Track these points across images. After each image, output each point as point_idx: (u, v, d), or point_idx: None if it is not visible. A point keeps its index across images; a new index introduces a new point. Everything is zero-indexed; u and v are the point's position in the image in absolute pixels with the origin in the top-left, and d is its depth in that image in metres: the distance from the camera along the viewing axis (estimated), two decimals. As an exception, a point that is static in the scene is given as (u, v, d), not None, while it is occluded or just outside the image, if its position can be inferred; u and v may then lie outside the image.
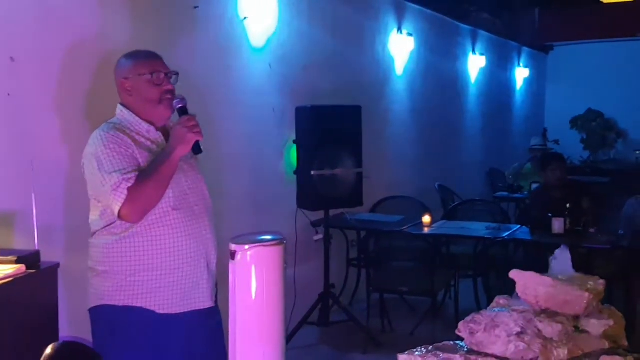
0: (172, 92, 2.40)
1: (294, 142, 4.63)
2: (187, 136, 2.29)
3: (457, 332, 1.77)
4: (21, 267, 2.32)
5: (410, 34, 6.54)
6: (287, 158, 4.80)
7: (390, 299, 5.13)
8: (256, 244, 2.51)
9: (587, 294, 1.72)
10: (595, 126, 11.10)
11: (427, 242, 4.74)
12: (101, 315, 2.36)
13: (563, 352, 1.63)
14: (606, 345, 1.71)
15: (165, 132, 2.42)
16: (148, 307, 2.31)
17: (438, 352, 1.72)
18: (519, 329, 1.67)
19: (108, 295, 2.32)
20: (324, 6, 5.24)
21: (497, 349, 1.68)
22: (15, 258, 2.35)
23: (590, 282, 1.77)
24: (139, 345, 2.33)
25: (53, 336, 2.44)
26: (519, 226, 4.98)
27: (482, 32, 8.82)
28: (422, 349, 1.75)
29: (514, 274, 1.82)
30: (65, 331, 2.77)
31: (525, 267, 1.84)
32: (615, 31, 10.61)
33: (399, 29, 6.40)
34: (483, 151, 9.00)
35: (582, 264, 3.61)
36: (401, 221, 5.12)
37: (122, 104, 2.41)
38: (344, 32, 5.54)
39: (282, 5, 4.64)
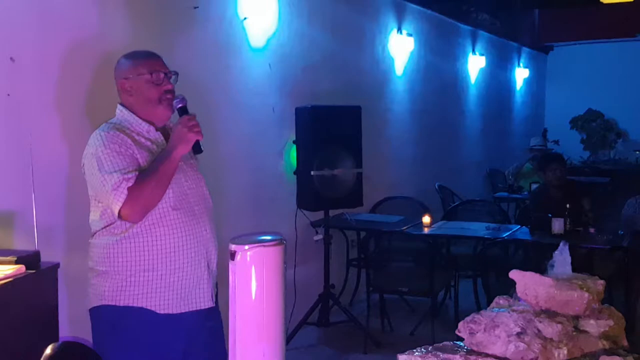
0: (171, 91, 2.40)
1: (294, 142, 4.64)
2: (187, 135, 2.30)
3: (456, 332, 1.76)
4: (21, 268, 2.32)
5: (410, 34, 6.54)
6: (287, 158, 4.80)
7: (390, 299, 5.13)
8: (256, 244, 2.51)
9: (586, 294, 1.72)
10: (595, 126, 11.11)
11: (426, 243, 4.74)
12: (101, 316, 2.36)
13: (563, 352, 1.63)
14: (606, 345, 1.71)
15: (165, 132, 2.43)
16: (148, 307, 2.31)
17: (438, 353, 1.72)
18: (518, 329, 1.67)
19: (108, 295, 2.32)
20: (323, 6, 5.25)
21: (496, 349, 1.68)
22: (15, 258, 2.34)
23: (590, 283, 1.77)
24: (139, 345, 2.33)
25: (53, 336, 2.44)
26: (519, 226, 4.98)
27: (482, 33, 8.83)
28: (422, 349, 1.74)
29: (513, 274, 1.82)
30: (66, 331, 2.77)
31: (525, 267, 1.84)
32: (615, 31, 10.63)
33: (399, 29, 6.40)
34: (483, 151, 9.00)
35: (582, 264, 3.61)
36: (401, 221, 5.13)
37: (121, 104, 2.41)
38: (344, 32, 5.54)
39: (282, 6, 4.64)
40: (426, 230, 4.93)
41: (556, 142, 10.44)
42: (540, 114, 12.02)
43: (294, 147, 4.64)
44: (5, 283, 2.21)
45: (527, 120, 11.12)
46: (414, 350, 1.74)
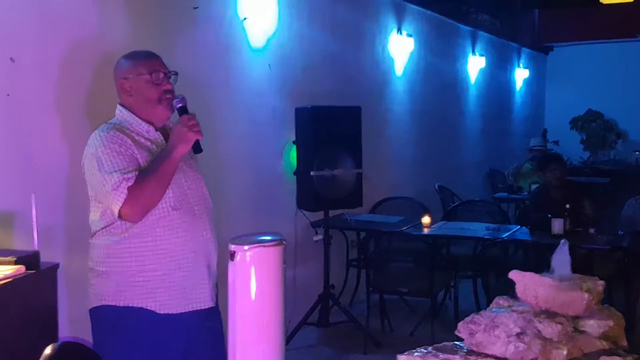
0: (171, 91, 2.40)
1: (294, 142, 4.64)
2: (187, 135, 2.30)
3: (456, 332, 1.77)
4: (21, 268, 2.32)
5: (410, 35, 6.54)
6: (286, 159, 4.80)
7: (389, 299, 5.13)
8: (256, 245, 2.51)
9: (586, 295, 1.72)
10: (595, 127, 11.11)
11: (426, 243, 4.74)
12: (102, 316, 2.36)
13: (562, 352, 1.63)
14: (605, 346, 1.71)
15: (165, 132, 2.43)
16: (148, 308, 2.30)
17: (437, 353, 1.72)
18: (518, 330, 1.67)
19: (108, 295, 2.32)
20: (323, 7, 5.25)
21: (496, 350, 1.68)
22: (15, 259, 2.34)
23: (590, 283, 1.77)
24: (139, 345, 2.32)
25: (52, 337, 2.44)
26: (519, 227, 4.98)
27: (482, 33, 8.83)
28: (422, 349, 1.74)
29: (513, 274, 1.82)
30: (66, 332, 2.76)
31: (524, 268, 1.84)
32: (615, 32, 10.64)
33: (399, 30, 6.40)
34: (483, 152, 9.00)
35: (582, 265, 3.61)
36: (401, 222, 5.12)
37: (121, 105, 2.41)
38: (344, 32, 5.54)
39: (281, 6, 4.64)
40: (426, 230, 4.93)
41: (556, 142, 10.44)
42: (540, 115, 12.02)
43: (294, 147, 4.64)
44: (5, 283, 2.21)
45: (527, 120, 11.12)
46: (414, 350, 1.74)
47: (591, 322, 1.72)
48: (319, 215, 4.78)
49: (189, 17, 3.79)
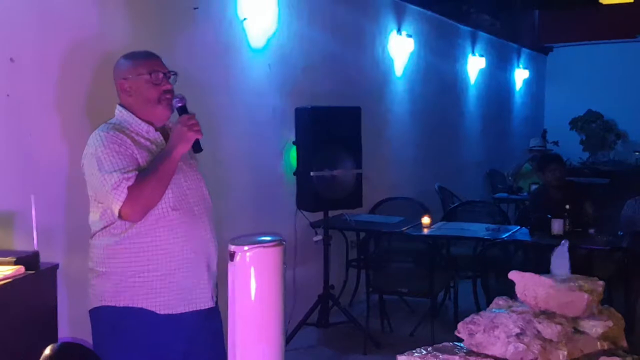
0: (170, 91, 2.40)
1: (294, 143, 4.64)
2: (187, 134, 2.30)
3: (456, 333, 1.77)
4: (20, 268, 2.32)
5: (409, 35, 6.54)
6: (286, 159, 4.80)
7: (389, 300, 5.13)
8: (255, 245, 2.51)
9: (586, 295, 1.72)
10: (594, 127, 11.11)
11: (426, 243, 4.74)
12: (102, 317, 2.36)
13: (562, 353, 1.63)
14: (605, 346, 1.71)
15: (165, 133, 2.43)
16: (148, 308, 2.30)
17: (437, 353, 1.72)
18: (518, 330, 1.67)
19: (108, 296, 2.32)
20: (323, 7, 5.25)
21: (496, 350, 1.68)
22: (15, 259, 2.34)
23: (590, 283, 1.77)
24: (139, 346, 2.32)
25: (52, 337, 2.44)
26: (519, 227, 4.97)
27: (482, 34, 8.83)
28: (422, 350, 1.75)
29: (513, 275, 1.82)
30: (65, 332, 2.76)
31: (524, 268, 1.84)
32: (615, 32, 10.64)
33: (399, 30, 6.40)
34: (482, 152, 9.00)
35: (582, 265, 3.61)
36: (401, 222, 5.12)
37: (121, 105, 2.41)
38: (344, 33, 5.54)
39: (281, 6, 4.65)
40: (426, 231, 4.93)
41: (556, 143, 10.44)
42: (540, 115, 12.02)
43: (294, 147, 4.64)
44: (5, 284, 2.21)
45: (527, 121, 11.12)
46: (414, 351, 1.74)
47: (591, 322, 1.72)
48: (319, 215, 4.78)
49: (189, 17, 3.80)
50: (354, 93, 5.54)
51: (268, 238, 2.57)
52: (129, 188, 2.18)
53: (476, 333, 1.71)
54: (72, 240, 2.93)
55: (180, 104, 2.39)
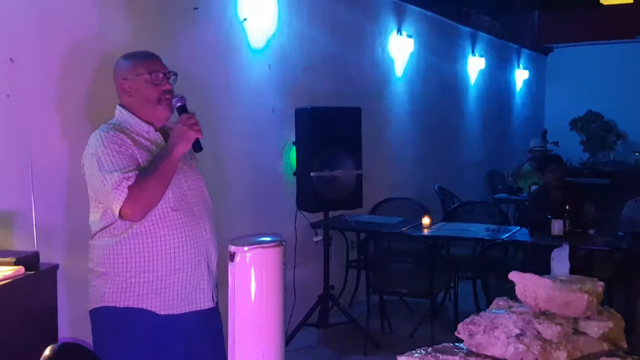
0: (170, 91, 2.40)
1: (294, 143, 4.63)
2: (187, 134, 2.30)
3: (456, 333, 1.77)
4: (20, 269, 2.32)
5: (410, 36, 6.54)
6: (286, 159, 4.80)
7: (389, 300, 5.13)
8: (255, 246, 2.51)
9: (586, 296, 1.72)
10: (595, 128, 11.11)
11: (426, 244, 4.74)
12: (102, 317, 2.36)
13: (562, 354, 1.63)
14: (605, 347, 1.71)
15: (165, 133, 2.43)
16: (149, 309, 2.30)
17: (437, 354, 1.72)
18: (518, 331, 1.67)
19: (108, 296, 2.31)
20: (323, 7, 5.25)
21: (496, 351, 1.68)
22: (14, 259, 2.34)
23: (590, 284, 1.77)
24: (139, 346, 2.32)
25: (52, 338, 2.44)
26: (518, 228, 4.98)
27: (482, 34, 8.83)
28: (422, 350, 1.74)
29: (513, 275, 1.82)
30: (65, 333, 2.76)
31: (524, 269, 1.84)
32: (615, 33, 10.64)
33: (399, 31, 6.40)
34: (483, 153, 9.00)
35: (582, 266, 3.61)
36: (401, 223, 5.12)
37: (121, 105, 2.41)
38: (344, 33, 5.54)
39: (281, 7, 4.65)
40: (426, 231, 4.93)
41: (556, 143, 10.44)
42: (540, 116, 12.03)
43: (294, 148, 4.64)
44: (5, 284, 2.21)
45: (527, 121, 11.13)
46: (414, 351, 1.74)
47: (591, 323, 1.72)
48: (319, 216, 4.78)
49: (189, 17, 3.80)
50: (354, 93, 5.54)
51: (268, 238, 2.56)
52: (129, 188, 2.18)
53: (476, 334, 1.71)
54: (72, 240, 2.93)
55: (180, 104, 2.39)
